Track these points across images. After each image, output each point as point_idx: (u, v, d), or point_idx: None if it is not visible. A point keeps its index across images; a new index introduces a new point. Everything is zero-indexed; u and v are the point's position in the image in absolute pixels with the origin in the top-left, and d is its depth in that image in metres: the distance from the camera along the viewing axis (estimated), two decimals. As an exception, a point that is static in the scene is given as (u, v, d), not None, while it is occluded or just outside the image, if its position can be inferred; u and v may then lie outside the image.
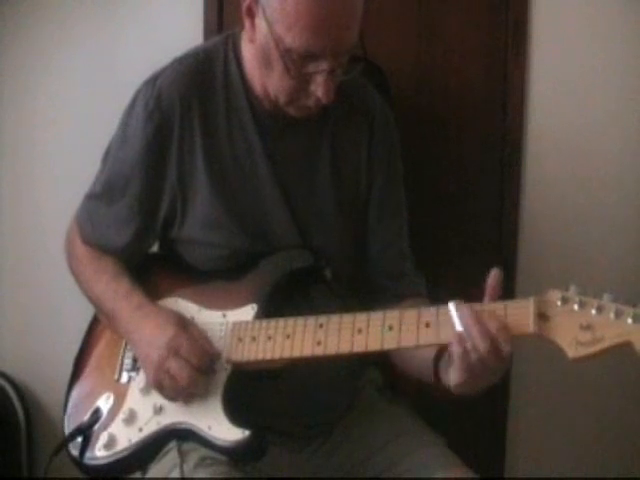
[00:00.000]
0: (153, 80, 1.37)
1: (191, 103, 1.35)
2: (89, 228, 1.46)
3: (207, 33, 1.86)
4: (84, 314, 1.53)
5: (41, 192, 1.98)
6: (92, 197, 1.46)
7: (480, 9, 1.85)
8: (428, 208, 1.87)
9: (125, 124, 1.40)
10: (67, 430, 1.42)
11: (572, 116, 1.87)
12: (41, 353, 2.02)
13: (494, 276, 1.18)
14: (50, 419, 2.01)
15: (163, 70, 1.39)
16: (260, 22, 1.26)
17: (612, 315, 1.03)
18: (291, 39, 1.21)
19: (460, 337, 1.15)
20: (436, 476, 1.31)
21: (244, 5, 1.27)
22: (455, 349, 1.16)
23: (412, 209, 1.54)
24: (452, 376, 1.19)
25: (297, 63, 1.24)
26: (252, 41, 1.30)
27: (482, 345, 1.13)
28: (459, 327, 1.15)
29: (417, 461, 1.35)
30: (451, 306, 1.18)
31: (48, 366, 1.99)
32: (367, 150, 1.46)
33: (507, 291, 1.84)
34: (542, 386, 1.94)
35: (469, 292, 1.87)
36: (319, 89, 1.26)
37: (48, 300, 2.00)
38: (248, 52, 1.36)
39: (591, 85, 1.85)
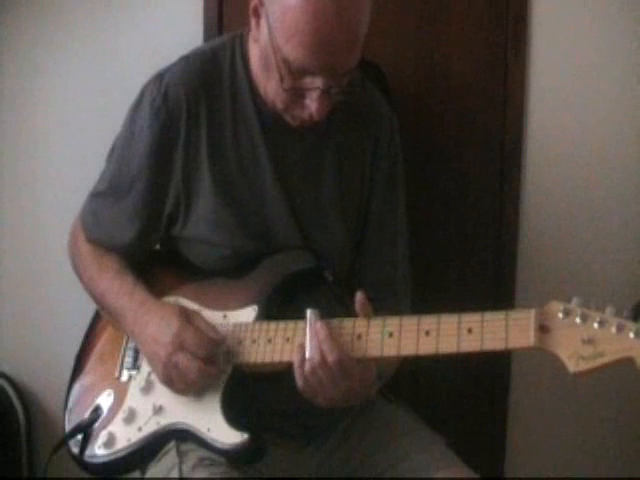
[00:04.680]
0: (160, 77, 1.36)
1: (198, 102, 1.35)
2: (94, 226, 1.45)
3: (207, 33, 1.86)
4: (84, 314, 1.53)
5: (41, 192, 1.97)
6: (97, 195, 1.45)
7: (480, 8, 1.84)
8: (428, 208, 1.86)
9: (131, 121, 1.39)
10: (67, 426, 1.42)
11: (572, 115, 1.86)
12: (41, 353, 2.02)
13: (359, 301, 1.22)
14: (50, 419, 2.01)
15: (170, 67, 1.38)
16: (263, 25, 1.25)
17: (614, 329, 1.02)
18: (287, 51, 1.21)
19: (300, 346, 1.21)
20: (437, 476, 1.31)
21: (251, 4, 1.26)
22: (294, 357, 1.22)
23: (412, 209, 1.54)
24: None
25: (292, 75, 1.24)
26: (256, 41, 1.30)
27: (315, 357, 1.19)
28: (307, 336, 1.21)
29: (417, 461, 1.35)
30: (309, 313, 1.23)
31: (48, 366, 1.99)
32: (371, 158, 1.46)
33: (507, 293, 1.87)
34: (542, 386, 1.94)
35: (467, 294, 1.88)
36: (312, 105, 1.25)
37: (48, 300, 2.00)
38: (254, 52, 1.35)
39: (591, 84, 1.85)
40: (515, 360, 1.94)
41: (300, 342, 1.23)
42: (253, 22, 1.28)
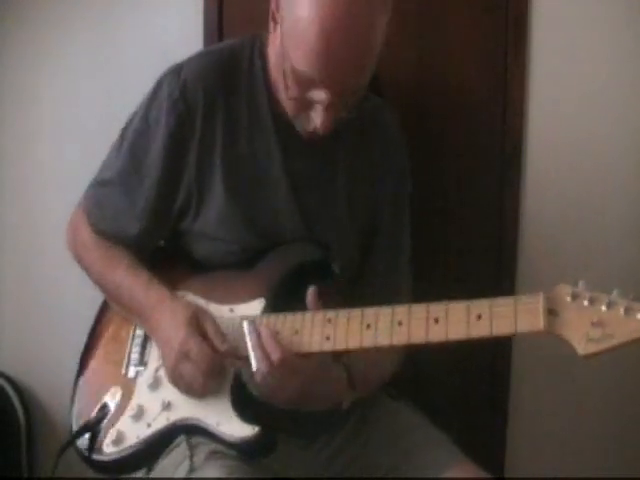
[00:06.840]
0: (178, 70, 1.36)
1: (215, 97, 1.35)
2: (101, 217, 1.43)
3: (207, 33, 1.85)
4: (84, 314, 1.53)
5: (41, 193, 1.97)
6: (103, 184, 1.44)
7: (480, 9, 1.84)
8: (428, 208, 1.86)
9: (147, 111, 1.38)
10: (75, 424, 1.41)
11: (572, 116, 1.86)
12: (41, 353, 2.02)
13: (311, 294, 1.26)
14: (50, 419, 2.01)
15: (188, 61, 1.38)
16: (278, 31, 1.27)
17: (622, 311, 1.02)
18: (295, 60, 1.22)
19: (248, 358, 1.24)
20: (447, 474, 1.32)
21: (271, 8, 1.27)
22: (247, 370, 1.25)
23: (412, 209, 1.54)
24: None
25: (299, 85, 1.24)
26: (273, 45, 1.31)
27: (261, 364, 1.22)
28: (249, 346, 1.24)
29: (427, 459, 1.35)
30: (246, 325, 1.26)
31: (48, 366, 1.98)
32: (381, 172, 1.47)
33: (507, 292, 1.86)
34: (542, 385, 1.94)
35: (468, 292, 1.88)
36: (317, 118, 1.26)
37: (48, 300, 2.00)
38: (273, 56, 1.35)
39: (591, 85, 1.85)
40: (515, 359, 1.94)
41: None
42: (271, 26, 1.29)
